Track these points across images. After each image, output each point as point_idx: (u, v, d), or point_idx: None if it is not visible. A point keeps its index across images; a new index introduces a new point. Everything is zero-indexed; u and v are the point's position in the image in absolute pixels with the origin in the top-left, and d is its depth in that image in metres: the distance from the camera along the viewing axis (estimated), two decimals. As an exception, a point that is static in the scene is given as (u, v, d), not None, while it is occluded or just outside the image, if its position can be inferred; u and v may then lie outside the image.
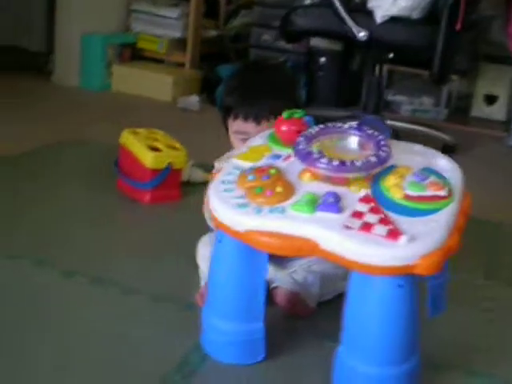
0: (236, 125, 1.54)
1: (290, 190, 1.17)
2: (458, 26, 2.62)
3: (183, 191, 2.11)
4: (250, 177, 1.18)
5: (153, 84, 3.49)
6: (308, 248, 1.10)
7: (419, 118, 3.66)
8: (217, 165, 1.57)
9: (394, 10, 2.64)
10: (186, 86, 3.54)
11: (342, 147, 1.27)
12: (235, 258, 1.21)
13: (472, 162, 2.84)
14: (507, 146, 3.36)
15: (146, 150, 2.01)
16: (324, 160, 1.18)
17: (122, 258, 1.67)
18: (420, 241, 1.08)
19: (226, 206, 1.15)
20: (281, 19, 2.85)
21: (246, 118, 1.52)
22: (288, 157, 1.28)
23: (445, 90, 3.71)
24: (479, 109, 3.86)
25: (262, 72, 1.63)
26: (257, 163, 1.26)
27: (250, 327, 1.25)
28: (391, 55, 2.85)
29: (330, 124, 1.32)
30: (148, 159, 2.00)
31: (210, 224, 1.54)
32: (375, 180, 1.21)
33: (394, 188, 1.19)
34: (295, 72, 3.42)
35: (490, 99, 3.86)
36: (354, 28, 2.62)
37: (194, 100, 3.40)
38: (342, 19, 2.63)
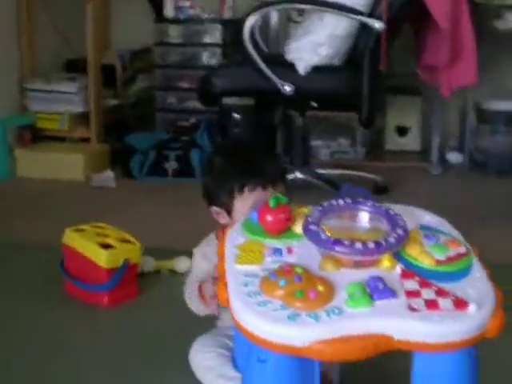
0: (252, 197, 1.39)
1: (328, 286, 1.04)
2: (383, 67, 2.59)
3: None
4: (282, 282, 1.03)
5: (61, 165, 3.28)
6: (383, 343, 0.98)
7: (339, 159, 3.62)
8: (196, 251, 1.49)
9: (316, 60, 2.58)
10: (96, 162, 3.35)
11: (351, 226, 1.18)
12: (289, 378, 1.04)
13: (409, 198, 2.80)
14: (432, 176, 3.38)
15: (97, 248, 1.83)
16: (347, 243, 1.07)
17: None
18: (484, 304, 1.03)
19: (270, 321, 0.99)
20: (199, 82, 2.74)
21: (264, 187, 1.38)
22: (289, 250, 1.16)
23: (358, 128, 3.70)
24: (393, 141, 3.87)
25: (241, 147, 1.54)
26: (264, 265, 1.12)
27: None
28: (315, 104, 2.77)
29: (331, 202, 1.20)
30: (102, 259, 1.81)
31: (198, 310, 1.43)
32: (395, 253, 1.12)
33: (422, 256, 1.12)
34: (211, 132, 3.32)
35: (402, 131, 3.88)
36: (279, 83, 2.53)
37: (108, 176, 3.21)
38: (264, 76, 2.53)
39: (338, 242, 1.07)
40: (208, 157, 1.57)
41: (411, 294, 1.05)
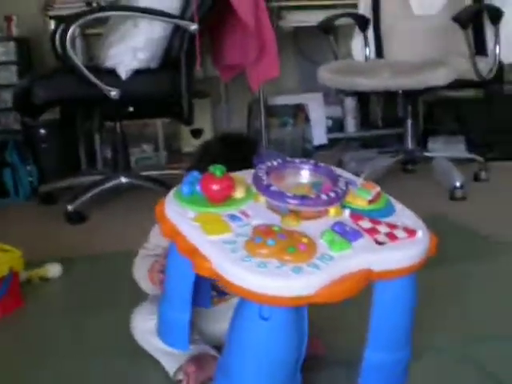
0: None
1: (308, 237, 1.12)
2: (198, 67, 2.76)
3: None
4: (270, 242, 1.09)
5: None
6: (367, 276, 1.11)
7: (144, 165, 3.71)
8: (157, 226, 1.46)
9: (135, 64, 2.66)
10: None
11: (296, 183, 1.28)
12: (290, 331, 1.12)
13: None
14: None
15: (-20, 260, 1.78)
16: (312, 197, 1.18)
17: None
18: (423, 230, 1.20)
19: (277, 278, 1.05)
20: (17, 95, 2.69)
21: None
22: (244, 213, 1.19)
23: (160, 133, 3.83)
24: (189, 143, 4.04)
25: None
26: (234, 231, 1.14)
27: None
28: (131, 109, 2.85)
29: (270, 164, 1.30)
30: (-12, 269, 1.77)
31: (146, 288, 1.46)
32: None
33: (356, 199, 1.24)
34: (20, 149, 3.26)
35: (196, 133, 4.06)
36: (105, 89, 2.58)
37: None
38: (89, 83, 2.57)
39: (303, 197, 1.15)
40: (206, 141, 1.60)
41: (370, 231, 1.17)
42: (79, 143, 3.58)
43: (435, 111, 3.83)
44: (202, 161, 1.47)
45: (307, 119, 3.93)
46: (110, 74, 2.64)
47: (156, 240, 1.50)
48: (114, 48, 2.68)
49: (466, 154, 3.28)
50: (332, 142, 4.04)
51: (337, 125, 4.08)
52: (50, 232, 2.61)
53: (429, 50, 3.15)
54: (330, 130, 4.04)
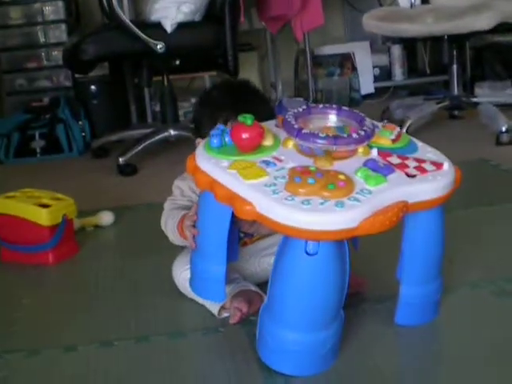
0: None
1: (344, 174, 1.17)
2: (242, 19, 2.79)
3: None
4: (310, 180, 1.14)
5: None
6: (404, 208, 1.16)
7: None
8: (180, 179, 1.57)
9: (180, 17, 2.71)
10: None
11: (321, 126, 1.30)
12: (337, 264, 1.17)
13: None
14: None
15: (36, 208, 1.86)
16: (345, 136, 1.22)
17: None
18: (448, 163, 1.25)
19: (322, 213, 1.09)
20: (67, 52, 2.77)
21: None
22: (278, 159, 1.23)
23: (207, 86, 3.88)
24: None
25: (237, 86, 1.60)
26: (271, 175, 1.18)
27: (329, 333, 1.22)
28: (177, 62, 2.91)
29: (296, 110, 1.33)
30: (43, 216, 1.85)
31: (176, 241, 1.51)
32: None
33: (380, 139, 1.29)
34: (72, 106, 3.35)
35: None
36: (151, 43, 2.64)
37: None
38: (136, 38, 2.63)
39: (335, 137, 1.20)
40: (205, 90, 1.64)
41: (400, 166, 1.22)
42: (129, 98, 3.66)
43: (483, 56, 3.78)
44: (203, 111, 1.51)
45: (354, 68, 3.93)
46: (156, 28, 2.70)
47: (180, 191, 1.55)
48: (159, 2, 2.73)
49: (512, 99, 3.25)
50: (379, 91, 4.04)
51: (384, 73, 4.06)
52: (103, 184, 2.71)
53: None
54: (376, 78, 4.03)
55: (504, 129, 2.78)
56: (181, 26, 2.72)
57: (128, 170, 2.82)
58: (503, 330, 1.32)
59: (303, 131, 1.22)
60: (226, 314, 1.44)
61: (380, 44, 4.08)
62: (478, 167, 2.46)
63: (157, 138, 2.97)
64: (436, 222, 1.29)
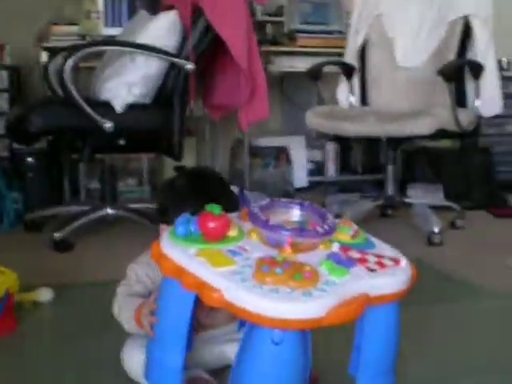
0: None
1: (309, 266, 1.19)
2: (192, 105, 2.84)
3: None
4: (278, 270, 1.15)
5: None
6: (365, 301, 1.18)
7: (127, 199, 3.76)
8: (137, 263, 1.54)
9: (131, 99, 2.73)
10: None
11: (284, 220, 1.33)
12: (300, 354, 1.18)
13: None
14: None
15: (-22, 281, 1.81)
16: (312, 229, 1.27)
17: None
18: (405, 259, 1.30)
19: (290, 302, 1.11)
20: (11, 122, 2.75)
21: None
22: (243, 249, 1.25)
23: (145, 167, 3.89)
24: (172, 180, 4.10)
25: (202, 175, 1.60)
26: (238, 264, 1.20)
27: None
28: (122, 142, 2.91)
29: (261, 203, 1.37)
30: (-15, 290, 1.80)
31: (131, 329, 1.47)
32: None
33: (339, 235, 1.33)
34: (6, 177, 3.29)
35: (179, 170, 4.11)
36: (100, 121, 2.65)
37: None
38: (84, 114, 2.63)
39: (301, 229, 1.25)
40: (171, 178, 1.64)
41: (361, 260, 1.26)
42: (64, 173, 3.63)
43: (413, 159, 3.95)
44: (169, 198, 1.51)
45: (289, 161, 4.02)
46: (105, 107, 2.71)
47: (136, 276, 1.52)
48: (111, 82, 2.75)
49: (444, 202, 3.38)
50: (312, 185, 4.13)
51: (318, 168, 4.17)
52: (38, 259, 2.64)
53: (412, 100, 3.27)
54: (311, 173, 4.14)
55: (436, 230, 2.89)
56: (130, 107, 2.74)
57: (63, 246, 2.76)
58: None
59: (270, 223, 1.25)
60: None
61: (315, 140, 4.20)
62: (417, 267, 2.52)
63: (94, 215, 2.94)
64: (395, 314, 1.31)
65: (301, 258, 1.23)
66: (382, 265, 1.27)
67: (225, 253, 1.23)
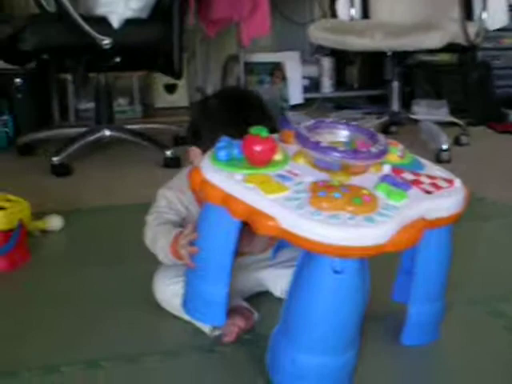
0: None
1: (367, 189, 1.12)
2: (191, 21, 2.70)
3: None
4: (336, 195, 1.08)
5: None
6: (424, 224, 1.14)
7: (119, 118, 3.63)
8: (166, 188, 1.45)
9: (129, 13, 2.59)
10: None
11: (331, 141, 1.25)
12: (361, 283, 1.11)
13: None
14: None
15: (-11, 210, 1.71)
16: (364, 151, 1.18)
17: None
18: (459, 180, 1.26)
19: (353, 229, 1.04)
20: (5, 40, 2.59)
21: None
22: (293, 173, 1.17)
23: (135, 86, 3.76)
24: (163, 99, 3.98)
25: (240, 97, 1.49)
26: (291, 189, 1.12)
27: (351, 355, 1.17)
28: (118, 59, 2.77)
29: (311, 122, 1.29)
30: (-1, 221, 1.70)
31: (166, 260, 1.39)
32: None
33: (388, 156, 1.24)
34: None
35: (170, 88, 4.00)
36: (97, 38, 2.50)
37: None
38: (80, 31, 2.49)
39: (355, 151, 1.16)
40: (206, 97, 1.52)
41: (415, 182, 1.20)
42: (52, 94, 3.48)
43: (412, 75, 3.84)
44: (206, 123, 1.41)
45: (284, 78, 3.90)
46: (101, 23, 2.57)
47: (168, 202, 1.44)
48: (106, -4, 2.60)
49: (450, 118, 3.30)
50: (308, 102, 4.03)
51: (313, 85, 4.06)
52: (39, 185, 2.53)
53: (414, 12, 3.15)
54: (306, 89, 4.02)
55: (445, 147, 2.82)
56: (128, 23, 2.60)
57: (62, 170, 2.66)
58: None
59: (321, 144, 1.17)
60: (218, 332, 1.35)
61: (310, 55, 4.07)
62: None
63: (91, 138, 2.83)
64: (448, 239, 1.28)
65: (355, 181, 1.16)
66: (437, 186, 1.21)
67: (274, 178, 1.15)
